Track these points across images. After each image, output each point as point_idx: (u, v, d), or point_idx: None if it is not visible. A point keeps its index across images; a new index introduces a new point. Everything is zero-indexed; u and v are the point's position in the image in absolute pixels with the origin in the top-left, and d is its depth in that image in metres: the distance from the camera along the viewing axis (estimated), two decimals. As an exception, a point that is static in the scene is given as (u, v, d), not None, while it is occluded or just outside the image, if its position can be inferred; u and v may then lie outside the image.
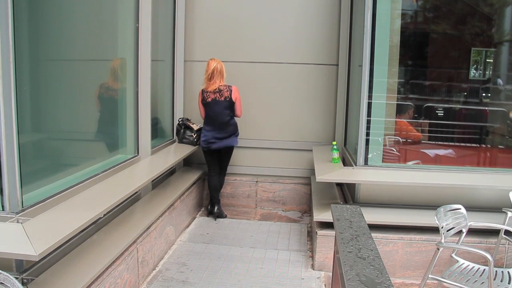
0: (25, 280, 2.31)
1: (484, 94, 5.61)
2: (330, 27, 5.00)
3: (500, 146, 5.02)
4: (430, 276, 2.75)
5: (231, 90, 4.53)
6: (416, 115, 5.10)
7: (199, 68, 4.89)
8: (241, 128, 4.94)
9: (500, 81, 5.52)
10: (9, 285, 1.73)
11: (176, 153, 4.70)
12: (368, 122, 3.82)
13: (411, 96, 5.37)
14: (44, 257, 2.37)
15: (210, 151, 4.67)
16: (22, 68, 2.49)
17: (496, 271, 2.78)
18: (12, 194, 2.34)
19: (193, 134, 4.88)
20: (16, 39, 2.29)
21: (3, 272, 1.74)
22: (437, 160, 4.61)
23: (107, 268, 2.71)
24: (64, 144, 3.26)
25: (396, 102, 4.51)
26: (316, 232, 3.66)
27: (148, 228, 3.45)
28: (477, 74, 5.76)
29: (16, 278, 1.90)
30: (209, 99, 4.53)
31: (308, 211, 5.16)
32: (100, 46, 3.67)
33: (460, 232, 2.88)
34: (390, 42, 4.04)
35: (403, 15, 5.08)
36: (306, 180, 5.18)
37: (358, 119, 3.84)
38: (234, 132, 4.67)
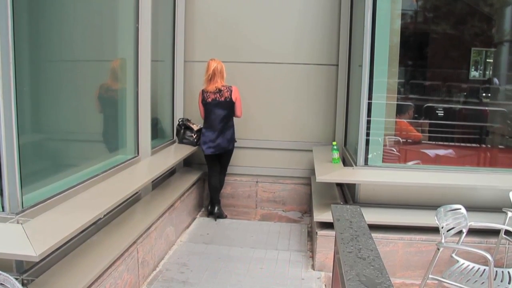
0: (25, 281, 2.31)
1: (484, 94, 5.61)
2: (330, 27, 5.00)
3: (500, 146, 5.02)
4: (430, 276, 2.75)
5: (231, 91, 4.54)
6: (416, 115, 5.10)
7: (199, 68, 4.89)
8: (241, 128, 4.93)
9: (496, 80, 5.52)
10: (9, 286, 1.73)
11: (176, 153, 4.70)
12: (368, 122, 3.81)
13: (411, 96, 5.37)
14: (44, 258, 2.36)
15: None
16: (22, 69, 2.48)
17: (496, 271, 2.78)
18: (12, 194, 2.34)
19: (193, 134, 4.88)
20: (15, 40, 2.28)
21: (3, 273, 1.74)
22: (437, 160, 4.61)
23: (107, 269, 2.70)
24: (64, 145, 3.26)
25: (396, 102, 4.50)
26: (316, 232, 3.66)
27: (148, 228, 3.45)
28: (477, 74, 5.77)
29: (16, 278, 1.91)
30: (209, 99, 4.53)
31: (308, 211, 5.15)
32: (100, 47, 3.67)
33: (460, 232, 2.88)
34: (390, 42, 4.04)
35: (403, 15, 5.08)
36: (306, 180, 5.17)
37: (358, 119, 3.84)
38: (232, 137, 4.66)
